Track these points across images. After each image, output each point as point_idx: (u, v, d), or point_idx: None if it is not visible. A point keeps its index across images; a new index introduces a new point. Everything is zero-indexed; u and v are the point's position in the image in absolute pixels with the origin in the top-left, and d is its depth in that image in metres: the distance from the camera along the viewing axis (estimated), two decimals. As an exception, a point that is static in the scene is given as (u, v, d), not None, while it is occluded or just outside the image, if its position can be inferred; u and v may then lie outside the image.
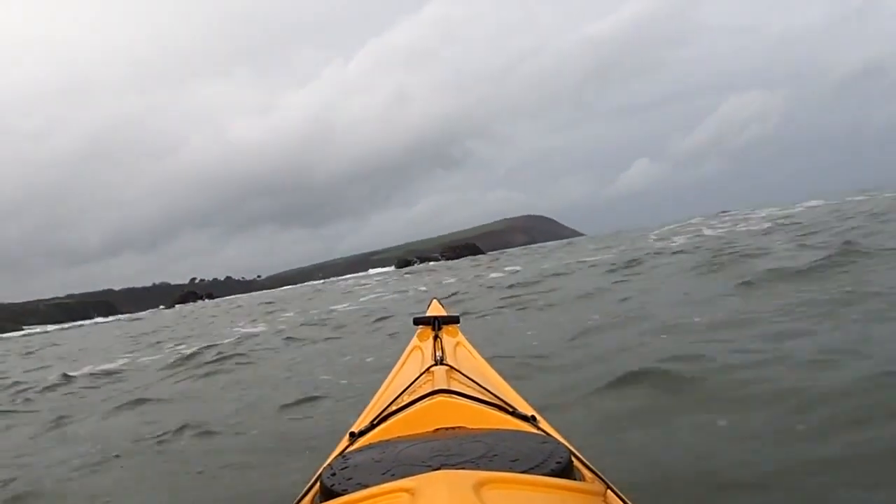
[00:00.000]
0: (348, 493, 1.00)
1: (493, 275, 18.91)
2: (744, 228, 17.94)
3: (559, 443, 1.20)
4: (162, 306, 46.30)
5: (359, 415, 1.80)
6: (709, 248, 12.45)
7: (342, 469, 1.11)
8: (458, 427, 1.35)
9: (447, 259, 49.75)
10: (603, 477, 1.19)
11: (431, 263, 46.87)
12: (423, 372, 1.77)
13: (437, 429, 1.36)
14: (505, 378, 2.01)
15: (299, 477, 2.38)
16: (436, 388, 1.49)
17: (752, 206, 38.76)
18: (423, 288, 18.83)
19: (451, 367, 1.76)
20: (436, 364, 1.81)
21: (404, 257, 52.91)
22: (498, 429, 1.31)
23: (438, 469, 0.98)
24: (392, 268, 52.90)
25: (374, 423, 1.47)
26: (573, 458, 1.14)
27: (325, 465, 1.22)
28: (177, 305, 45.42)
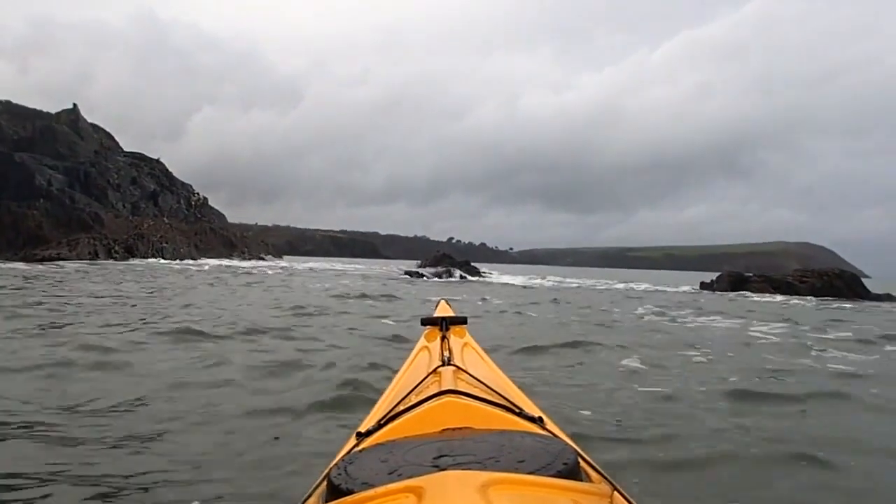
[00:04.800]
0: (355, 492, 1.00)
1: None
2: None
3: (566, 444, 1.20)
4: (415, 270, 37.38)
5: (366, 414, 1.79)
6: None
7: (349, 468, 1.11)
8: (465, 428, 1.34)
9: (815, 286, 31.10)
10: (610, 479, 1.19)
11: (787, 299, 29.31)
12: (431, 372, 1.74)
13: (444, 429, 1.34)
14: (512, 379, 2.02)
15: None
16: (443, 389, 1.49)
17: None
18: None
19: (459, 368, 1.75)
20: (443, 364, 1.79)
21: (736, 274, 34.81)
22: (505, 430, 1.30)
23: (445, 470, 0.98)
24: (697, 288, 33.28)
25: (382, 422, 1.45)
26: (580, 460, 1.15)
27: (332, 464, 1.21)
28: (425, 273, 35.97)
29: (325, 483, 1.13)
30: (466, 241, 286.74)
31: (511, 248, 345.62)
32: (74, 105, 67.02)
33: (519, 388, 1.91)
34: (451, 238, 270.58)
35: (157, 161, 71.50)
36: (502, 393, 1.58)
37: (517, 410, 1.46)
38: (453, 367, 1.74)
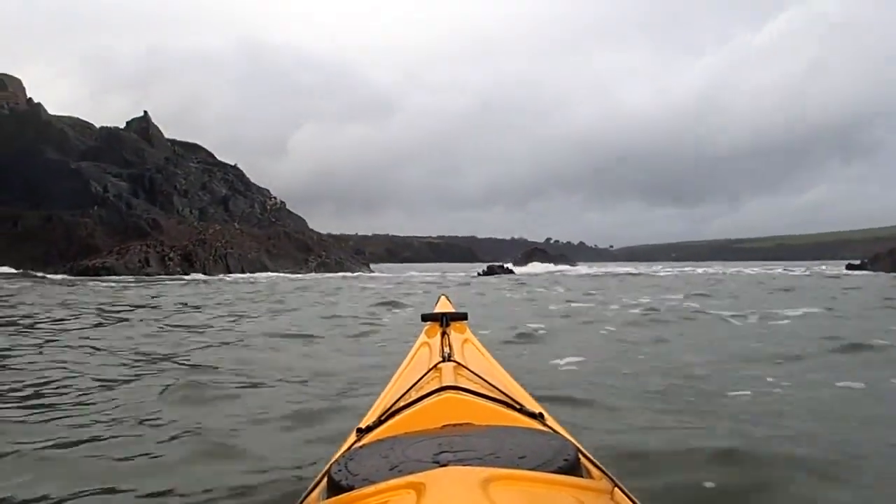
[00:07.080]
0: (355, 488, 1.01)
1: None
2: None
3: (567, 440, 1.21)
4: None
5: (366, 411, 1.79)
6: None
7: (349, 464, 1.12)
8: (466, 424, 1.34)
9: None
10: (610, 475, 1.20)
11: None
12: (431, 368, 1.76)
13: (445, 425, 1.34)
14: (512, 375, 2.01)
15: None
16: (443, 385, 1.49)
17: None
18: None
19: (459, 364, 1.75)
20: (443, 360, 1.79)
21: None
22: (505, 426, 1.30)
23: (446, 466, 1.00)
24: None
25: (382, 419, 1.45)
26: (580, 456, 1.15)
27: (332, 461, 1.22)
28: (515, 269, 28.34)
29: (325, 479, 1.13)
30: (565, 241, 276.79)
31: (611, 246, 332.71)
32: (145, 112, 64.40)
33: (519, 384, 1.90)
34: (549, 238, 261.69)
35: (233, 166, 67.92)
36: (503, 389, 1.57)
37: (518, 406, 1.45)
38: (454, 363, 1.73)
